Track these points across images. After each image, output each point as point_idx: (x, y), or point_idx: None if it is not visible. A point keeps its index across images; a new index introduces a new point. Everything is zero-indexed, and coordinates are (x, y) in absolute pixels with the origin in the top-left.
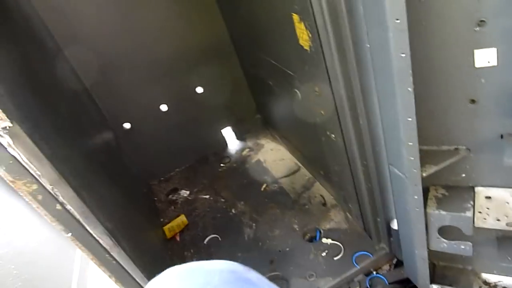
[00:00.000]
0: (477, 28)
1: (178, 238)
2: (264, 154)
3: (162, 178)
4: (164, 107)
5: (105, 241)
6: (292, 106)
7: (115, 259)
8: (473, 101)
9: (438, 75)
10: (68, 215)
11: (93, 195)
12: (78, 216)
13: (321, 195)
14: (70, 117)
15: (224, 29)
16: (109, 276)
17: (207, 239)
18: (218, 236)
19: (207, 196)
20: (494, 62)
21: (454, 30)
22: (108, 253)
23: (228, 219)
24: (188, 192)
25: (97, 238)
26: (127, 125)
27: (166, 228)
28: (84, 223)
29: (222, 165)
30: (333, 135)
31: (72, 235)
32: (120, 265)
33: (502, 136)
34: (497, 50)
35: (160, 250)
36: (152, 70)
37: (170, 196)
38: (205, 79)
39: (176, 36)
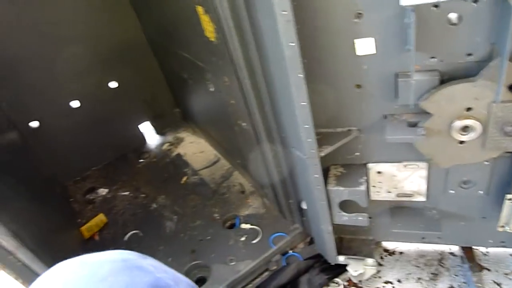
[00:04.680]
0: (356, 20)
1: (97, 237)
2: (184, 147)
3: (78, 178)
4: (75, 103)
5: (9, 242)
6: (207, 98)
7: (20, 261)
8: (358, 86)
9: (326, 63)
10: None
11: None
12: None
13: (240, 183)
14: None
15: (137, 23)
16: (15, 278)
17: (127, 235)
18: (139, 232)
19: (127, 193)
20: (373, 51)
21: (336, 22)
22: (12, 254)
23: (148, 214)
24: (106, 190)
25: None
26: (34, 124)
27: (83, 228)
28: None
29: (141, 160)
30: (244, 124)
31: None
32: (27, 266)
33: (385, 117)
34: (375, 39)
35: (78, 250)
36: (60, 64)
37: (88, 196)
38: (119, 74)
39: (86, 30)
